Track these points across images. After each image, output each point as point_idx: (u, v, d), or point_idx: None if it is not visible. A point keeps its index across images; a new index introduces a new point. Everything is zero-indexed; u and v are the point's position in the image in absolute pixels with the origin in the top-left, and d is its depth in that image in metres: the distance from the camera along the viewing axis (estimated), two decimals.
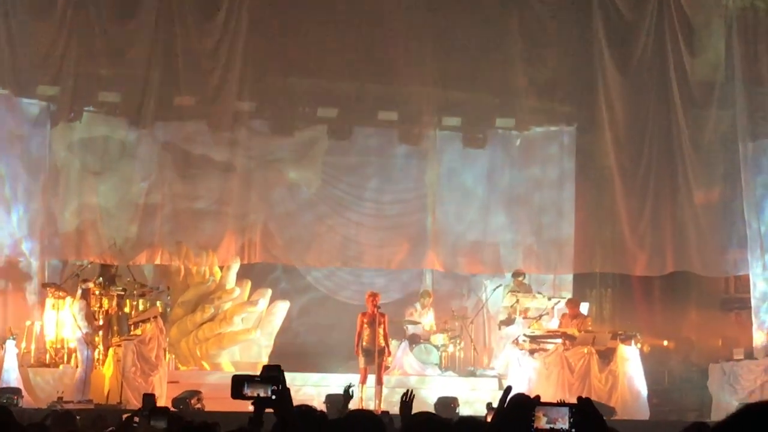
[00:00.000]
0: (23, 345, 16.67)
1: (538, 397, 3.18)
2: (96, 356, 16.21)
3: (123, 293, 17.04)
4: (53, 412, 10.17)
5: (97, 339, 16.36)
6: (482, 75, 18.46)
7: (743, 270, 18.36)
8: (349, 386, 9.54)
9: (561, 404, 3.12)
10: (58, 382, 15.93)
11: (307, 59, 17.88)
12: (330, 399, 14.78)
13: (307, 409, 4.98)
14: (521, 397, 3.24)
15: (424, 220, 19.35)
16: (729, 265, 18.58)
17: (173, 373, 17.00)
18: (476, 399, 16.76)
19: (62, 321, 16.70)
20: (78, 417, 9.25)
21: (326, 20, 17.82)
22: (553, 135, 19.65)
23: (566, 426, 3.06)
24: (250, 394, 3.61)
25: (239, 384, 3.62)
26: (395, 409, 14.73)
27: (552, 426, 3.07)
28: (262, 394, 3.60)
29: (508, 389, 3.34)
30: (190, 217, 18.37)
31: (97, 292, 16.74)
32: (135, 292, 17.36)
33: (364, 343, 16.12)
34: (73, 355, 16.43)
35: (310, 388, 16.43)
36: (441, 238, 19.19)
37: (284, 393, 3.59)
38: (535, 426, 3.09)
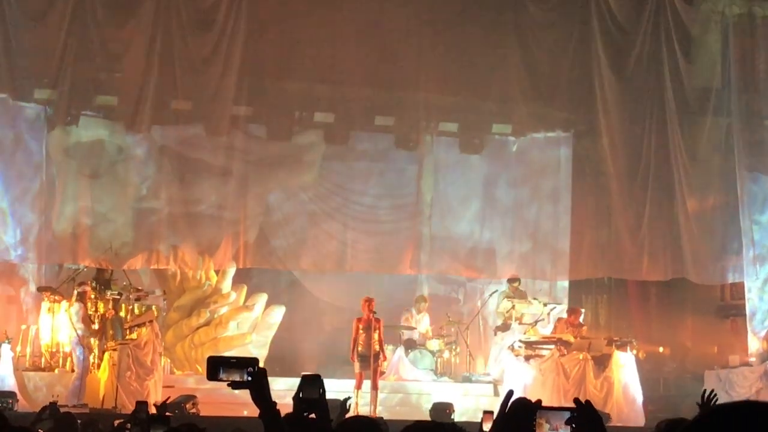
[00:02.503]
0: (18, 349, 16.65)
1: (539, 402, 3.18)
2: (91, 360, 16.18)
3: (119, 297, 17.00)
4: (52, 406, 10.12)
5: (92, 343, 16.32)
6: (479, 81, 18.47)
7: (738, 278, 18.37)
8: (347, 399, 9.44)
9: (562, 408, 3.13)
10: (54, 386, 15.90)
11: (305, 64, 17.89)
12: None
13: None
14: (523, 402, 3.24)
15: (421, 225, 19.36)
16: (723, 273, 18.58)
17: (168, 378, 16.98)
18: (472, 405, 16.76)
19: (58, 325, 16.66)
20: (79, 421, 9.23)
21: (324, 25, 17.83)
22: (550, 141, 19.67)
23: (567, 430, 3.06)
24: (225, 378, 3.61)
25: (215, 367, 3.61)
26: (390, 414, 14.73)
27: (553, 431, 3.08)
28: (237, 378, 3.60)
29: (510, 393, 3.33)
30: (187, 221, 18.35)
31: (92, 296, 16.71)
32: (131, 296, 17.33)
33: (359, 349, 16.12)
34: (69, 359, 16.40)
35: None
36: (437, 243, 19.21)
37: (260, 375, 3.59)
38: (536, 431, 3.10)
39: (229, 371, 3.60)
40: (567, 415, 3.09)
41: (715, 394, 6.22)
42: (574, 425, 3.05)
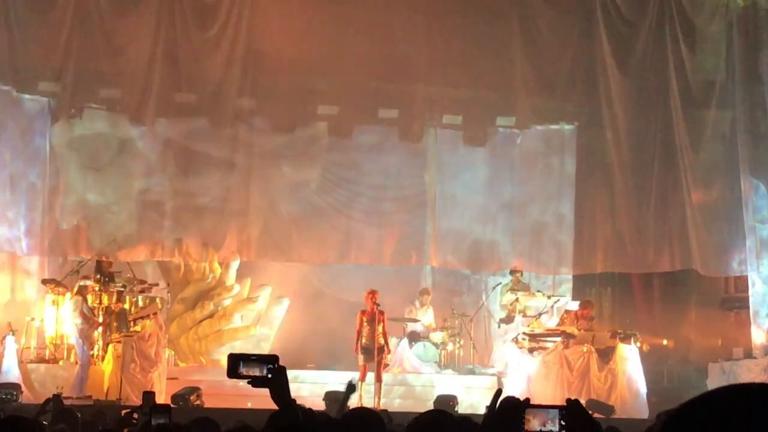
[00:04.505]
0: (23, 341, 16.69)
1: (528, 400, 3.19)
2: (95, 352, 16.22)
3: (123, 289, 17.03)
4: (56, 399, 10.13)
5: (96, 335, 16.35)
6: (483, 73, 18.45)
7: (744, 270, 18.34)
8: (352, 380, 9.35)
9: (551, 406, 3.14)
10: (58, 377, 15.93)
11: (308, 56, 17.88)
12: (329, 396, 14.80)
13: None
14: (512, 400, 3.25)
15: (425, 218, 19.38)
16: (729, 265, 18.55)
17: (172, 370, 17.01)
18: (475, 397, 16.78)
19: (62, 317, 16.71)
20: (79, 414, 9.24)
21: (327, 18, 17.82)
22: (554, 133, 19.66)
23: (556, 428, 3.07)
24: (245, 373, 3.62)
25: (236, 362, 3.62)
26: (394, 407, 14.75)
27: (541, 428, 3.09)
28: (257, 374, 3.60)
29: (498, 392, 3.35)
30: (191, 213, 18.39)
31: (96, 289, 16.73)
32: (135, 288, 17.36)
33: (363, 341, 16.11)
34: (73, 351, 16.45)
35: (309, 386, 16.43)
36: (441, 236, 19.22)
37: (280, 373, 3.60)
38: (525, 428, 3.10)
39: (250, 367, 3.61)
40: (555, 412, 3.10)
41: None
42: (562, 422, 3.06)
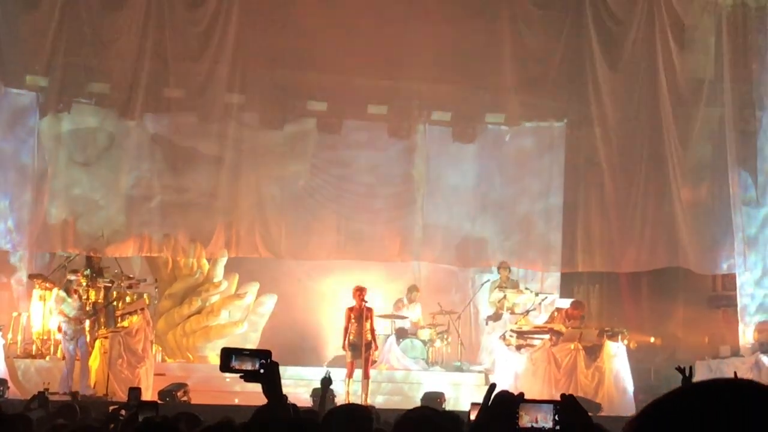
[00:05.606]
0: (9, 336, 16.62)
1: (522, 395, 3.18)
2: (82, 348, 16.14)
3: (110, 285, 16.98)
4: (41, 396, 10.10)
5: (78, 331, 16.26)
6: (472, 70, 18.45)
7: (732, 268, 18.38)
8: (326, 374, 9.13)
9: (545, 401, 3.12)
10: (45, 373, 15.87)
11: (298, 52, 17.85)
12: (316, 393, 14.77)
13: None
14: (506, 395, 3.23)
15: (414, 214, 19.36)
16: (718, 263, 18.58)
17: (160, 366, 16.97)
18: (463, 394, 16.77)
19: (49, 312, 16.65)
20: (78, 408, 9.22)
21: (317, 13, 17.78)
22: (543, 131, 19.67)
23: (550, 423, 3.06)
24: (237, 367, 3.62)
25: (228, 356, 3.62)
26: (381, 403, 14.70)
27: (535, 424, 3.07)
28: (250, 368, 3.60)
29: (492, 386, 3.33)
30: (179, 209, 18.34)
31: (84, 284, 16.68)
32: (122, 284, 17.31)
33: (351, 338, 16.10)
34: (60, 346, 16.39)
35: (295, 382, 16.40)
36: (430, 232, 19.22)
37: (272, 368, 3.59)
38: (519, 424, 3.09)
39: (242, 361, 3.61)
40: (549, 407, 3.08)
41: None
42: (556, 417, 3.05)
